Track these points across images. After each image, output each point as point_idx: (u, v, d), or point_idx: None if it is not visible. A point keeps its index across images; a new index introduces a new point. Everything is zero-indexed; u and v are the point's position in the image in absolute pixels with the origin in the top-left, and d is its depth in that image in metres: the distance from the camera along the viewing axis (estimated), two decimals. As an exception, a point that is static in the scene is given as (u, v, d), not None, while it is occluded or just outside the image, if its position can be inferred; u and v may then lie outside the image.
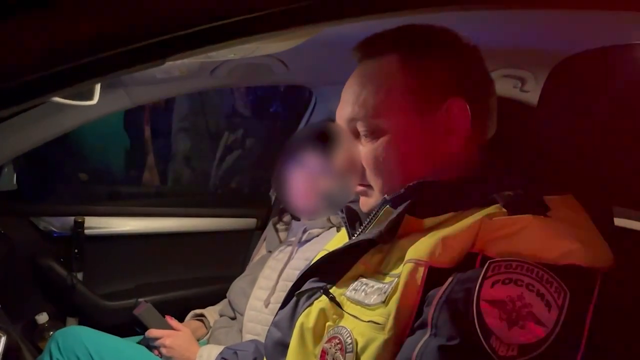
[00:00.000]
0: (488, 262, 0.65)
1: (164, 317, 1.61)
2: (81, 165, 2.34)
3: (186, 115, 2.58)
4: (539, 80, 1.35)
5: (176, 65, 1.48)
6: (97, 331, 1.49)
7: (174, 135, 2.61)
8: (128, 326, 1.76)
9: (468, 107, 0.78)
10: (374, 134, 0.80)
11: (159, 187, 2.65)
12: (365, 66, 0.83)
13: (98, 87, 1.18)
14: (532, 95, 1.47)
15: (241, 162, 2.54)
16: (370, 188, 0.83)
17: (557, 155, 0.86)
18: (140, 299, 1.81)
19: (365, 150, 0.81)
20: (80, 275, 1.85)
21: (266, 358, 0.93)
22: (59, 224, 1.83)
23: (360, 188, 0.84)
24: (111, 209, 1.96)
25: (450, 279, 0.67)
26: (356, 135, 0.83)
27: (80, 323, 1.83)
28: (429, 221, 0.76)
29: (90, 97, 1.18)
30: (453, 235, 0.70)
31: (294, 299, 0.88)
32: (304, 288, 0.86)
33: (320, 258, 0.88)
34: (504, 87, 2.03)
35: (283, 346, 0.85)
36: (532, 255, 0.65)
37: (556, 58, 1.01)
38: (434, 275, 0.68)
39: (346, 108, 0.82)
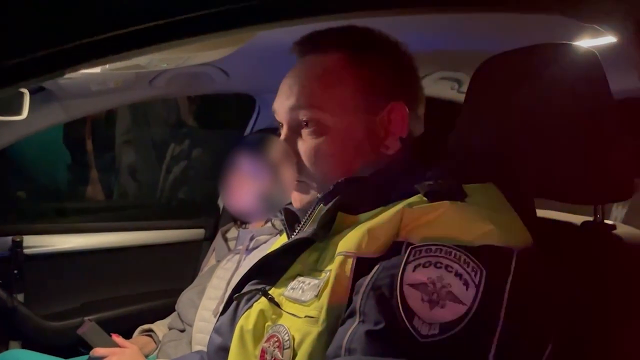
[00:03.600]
0: (410, 247, 0.68)
1: (110, 335, 1.57)
2: (19, 182, 2.26)
3: (129, 127, 2.53)
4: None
5: (110, 76, 1.45)
6: (38, 354, 1.45)
7: (118, 147, 2.56)
8: (74, 347, 1.70)
9: (407, 111, 0.82)
10: (317, 126, 0.82)
11: (103, 201, 2.58)
12: (310, 60, 0.85)
13: (27, 101, 1.15)
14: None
15: (188, 173, 2.51)
16: (307, 184, 0.85)
17: (481, 151, 0.90)
18: (86, 318, 1.76)
19: (306, 144, 0.83)
20: (21, 297, 1.78)
21: (209, 365, 0.93)
22: (-4, 244, 1.76)
23: (296, 184, 0.86)
24: (51, 226, 1.91)
25: (376, 267, 0.69)
26: (296, 126, 0.84)
27: (24, 346, 1.76)
28: (363, 217, 0.78)
29: (19, 112, 1.14)
30: (377, 226, 0.72)
31: (234, 302, 0.88)
32: (243, 291, 0.87)
33: (259, 260, 0.89)
34: (442, 89, 2.09)
35: (224, 351, 0.85)
36: (450, 238, 0.68)
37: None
38: (363, 265, 0.71)
39: (290, 98, 0.83)
